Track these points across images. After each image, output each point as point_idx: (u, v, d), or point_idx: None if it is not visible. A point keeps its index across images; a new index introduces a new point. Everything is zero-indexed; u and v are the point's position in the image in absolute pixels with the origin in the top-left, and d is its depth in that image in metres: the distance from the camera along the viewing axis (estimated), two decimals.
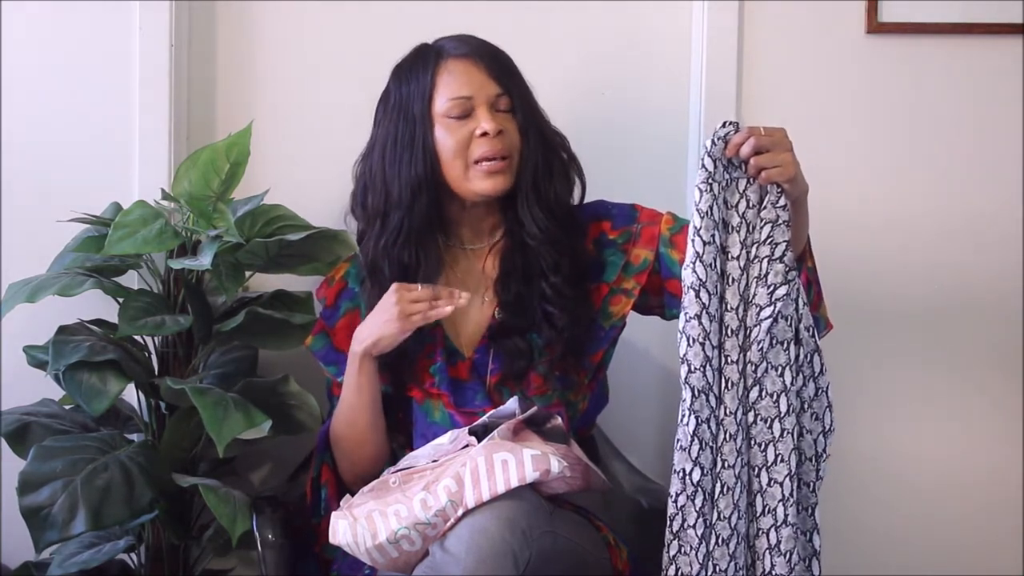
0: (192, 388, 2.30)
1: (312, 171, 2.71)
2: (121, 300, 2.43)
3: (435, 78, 2.28)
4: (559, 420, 2.17)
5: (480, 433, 2.11)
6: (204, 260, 2.33)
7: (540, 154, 2.31)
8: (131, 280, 2.58)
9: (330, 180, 2.68)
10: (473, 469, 2.00)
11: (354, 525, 2.06)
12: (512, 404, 2.13)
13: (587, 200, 2.40)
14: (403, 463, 2.16)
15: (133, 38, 2.62)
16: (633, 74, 2.77)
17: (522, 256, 2.29)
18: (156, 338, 2.50)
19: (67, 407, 2.50)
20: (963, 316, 2.86)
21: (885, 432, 2.86)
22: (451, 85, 2.27)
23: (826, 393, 2.10)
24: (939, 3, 2.78)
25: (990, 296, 2.86)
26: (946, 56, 2.80)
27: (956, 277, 2.85)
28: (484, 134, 2.25)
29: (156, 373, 2.50)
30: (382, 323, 2.19)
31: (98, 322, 2.50)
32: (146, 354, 2.50)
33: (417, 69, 2.30)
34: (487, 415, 2.14)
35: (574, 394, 2.32)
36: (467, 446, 2.09)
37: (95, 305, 2.54)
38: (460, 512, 2.00)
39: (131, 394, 2.51)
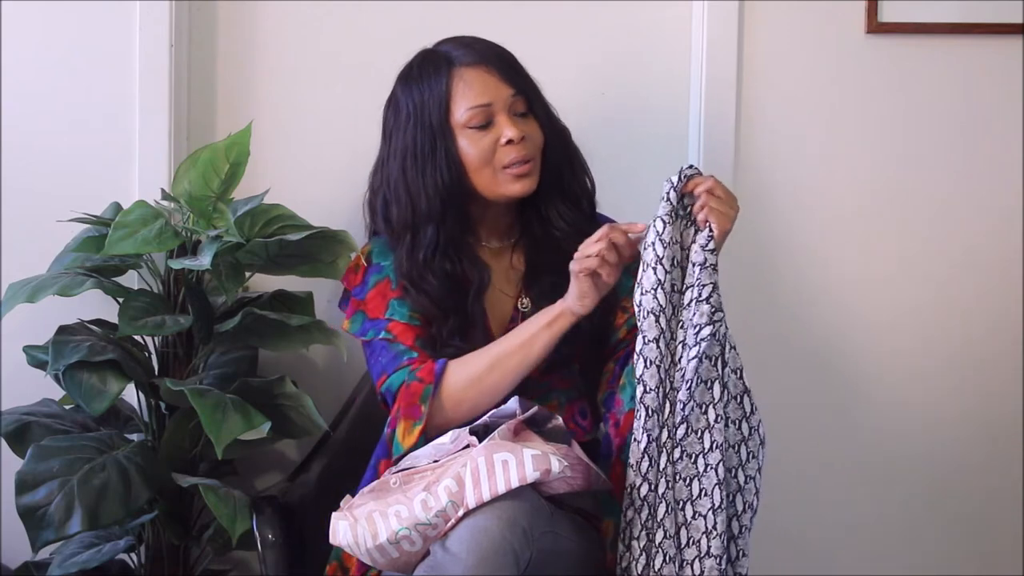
0: (191, 390, 2.30)
1: (312, 171, 2.71)
2: (121, 300, 2.43)
3: (449, 88, 2.28)
4: (559, 420, 2.17)
5: (481, 433, 2.11)
6: (204, 260, 2.33)
7: (561, 150, 2.34)
8: (131, 280, 2.58)
9: (330, 180, 2.69)
10: (474, 469, 2.00)
11: (354, 526, 2.06)
12: (512, 404, 2.14)
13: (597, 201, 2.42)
14: (404, 463, 2.16)
15: (133, 38, 2.62)
16: (633, 74, 2.77)
17: (549, 249, 2.31)
18: (156, 338, 2.50)
19: (67, 407, 2.50)
20: (963, 315, 2.86)
21: (885, 432, 2.86)
22: (468, 95, 2.27)
23: (758, 432, 2.16)
24: (939, 3, 2.78)
25: (990, 295, 2.86)
26: (946, 56, 2.80)
27: (956, 276, 2.85)
28: (509, 142, 2.26)
29: (156, 373, 2.50)
30: (578, 285, 2.19)
31: (98, 322, 2.50)
32: (146, 354, 2.50)
33: (427, 78, 2.30)
34: (487, 415, 2.14)
35: (596, 389, 2.35)
36: (468, 446, 2.09)
37: (95, 305, 2.55)
38: (461, 512, 2.00)
39: (131, 394, 2.51)
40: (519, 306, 2.33)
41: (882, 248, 2.83)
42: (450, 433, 2.14)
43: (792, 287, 2.82)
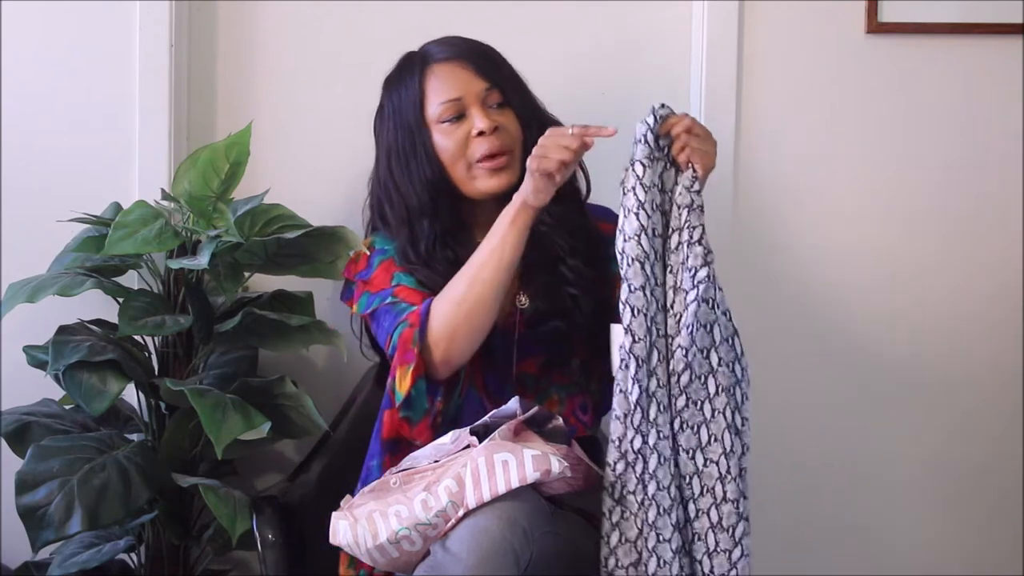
0: (191, 390, 2.30)
1: (312, 171, 2.71)
2: (121, 300, 2.43)
3: (423, 85, 2.30)
4: (560, 420, 2.17)
5: (481, 433, 2.11)
6: (202, 260, 2.33)
7: None
8: (131, 280, 2.58)
9: (330, 180, 2.69)
10: (474, 469, 2.00)
11: (354, 526, 2.06)
12: (513, 404, 2.13)
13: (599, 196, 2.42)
14: (404, 463, 2.16)
15: (133, 38, 2.62)
16: (633, 74, 2.77)
17: (539, 245, 2.31)
18: (156, 338, 2.50)
19: (67, 407, 2.50)
20: (963, 314, 2.86)
21: (885, 432, 2.86)
22: (439, 90, 2.29)
23: (747, 372, 2.14)
24: (939, 3, 2.78)
25: (990, 295, 2.86)
26: (946, 56, 2.80)
27: (955, 276, 2.85)
28: (480, 133, 2.27)
29: (156, 373, 2.50)
30: (531, 180, 2.15)
31: (98, 322, 2.50)
32: (146, 354, 2.50)
33: (405, 78, 2.33)
34: (488, 415, 2.14)
35: (596, 383, 2.35)
36: (468, 446, 2.09)
37: (95, 305, 2.55)
38: (461, 512, 2.00)
39: (131, 394, 2.51)
40: (517, 303, 2.33)
41: (882, 247, 2.83)
42: (450, 433, 2.14)
43: (792, 287, 2.81)
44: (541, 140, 2.15)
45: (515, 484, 1.99)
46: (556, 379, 2.33)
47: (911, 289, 2.84)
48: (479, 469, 2.00)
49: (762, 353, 2.73)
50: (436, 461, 2.11)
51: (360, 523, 2.06)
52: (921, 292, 2.84)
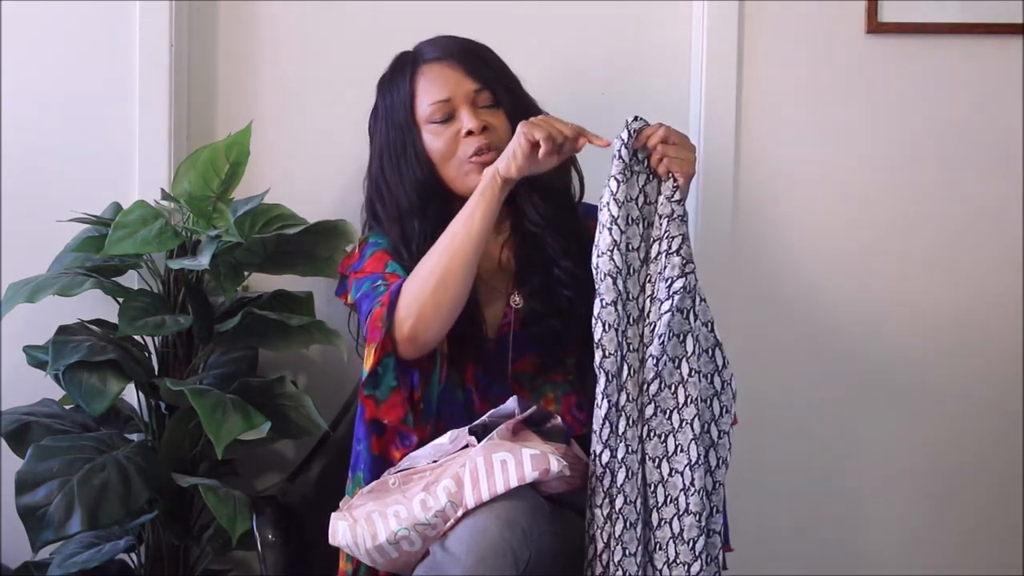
0: (191, 389, 2.30)
1: (312, 171, 2.71)
2: (121, 300, 2.43)
3: (413, 85, 2.31)
4: (558, 419, 2.17)
5: (479, 433, 2.11)
6: (202, 260, 2.34)
7: None
8: (131, 280, 2.59)
9: (330, 180, 2.69)
10: (472, 469, 2.00)
11: (354, 527, 2.06)
12: (511, 404, 2.14)
13: (587, 198, 2.42)
14: (403, 464, 2.16)
15: (133, 38, 2.62)
16: (633, 74, 2.77)
17: (533, 246, 2.31)
18: (156, 338, 2.50)
19: (67, 407, 2.51)
20: (963, 313, 2.86)
21: (885, 433, 2.86)
22: (429, 90, 2.30)
23: (730, 386, 2.14)
24: (939, 3, 2.78)
25: (989, 295, 2.86)
26: (946, 56, 2.80)
27: (956, 275, 2.85)
28: (469, 133, 2.27)
29: (156, 373, 2.50)
30: (516, 143, 2.16)
31: (98, 322, 2.51)
32: (146, 354, 2.50)
33: (397, 78, 2.35)
34: (486, 415, 2.15)
35: (592, 382, 2.34)
36: (467, 446, 2.09)
37: (95, 305, 2.55)
38: (460, 512, 2.00)
39: (131, 394, 2.51)
40: (511, 303, 2.33)
41: (882, 248, 2.83)
42: (448, 434, 2.14)
43: (791, 285, 2.81)
44: (540, 117, 2.19)
45: (514, 484, 1.99)
46: (552, 378, 2.33)
47: (911, 288, 2.84)
48: (478, 469, 2.00)
49: (761, 353, 2.74)
50: (435, 461, 2.11)
51: (359, 524, 2.06)
52: (921, 292, 2.84)
